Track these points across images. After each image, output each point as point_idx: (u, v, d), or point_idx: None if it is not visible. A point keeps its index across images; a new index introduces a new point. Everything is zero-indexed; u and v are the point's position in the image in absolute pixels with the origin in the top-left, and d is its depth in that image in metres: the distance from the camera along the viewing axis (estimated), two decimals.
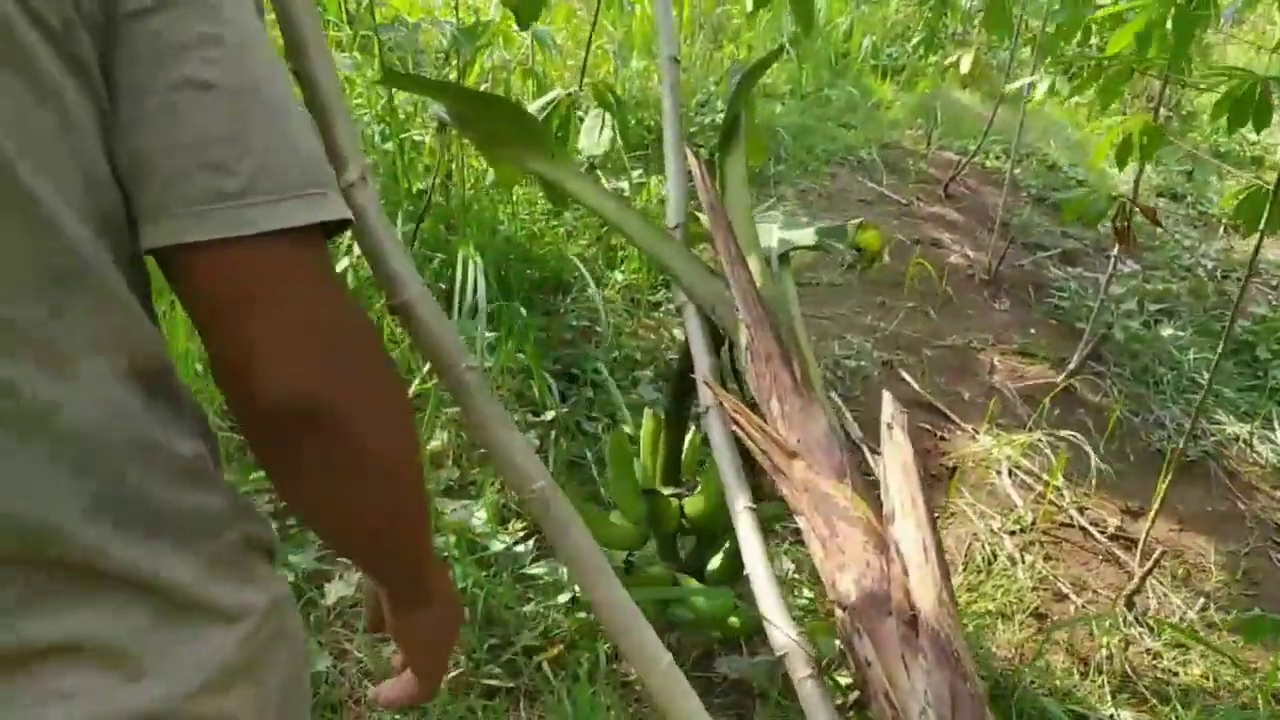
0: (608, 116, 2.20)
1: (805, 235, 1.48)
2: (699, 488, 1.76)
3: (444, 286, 2.64)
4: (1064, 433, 2.63)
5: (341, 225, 0.57)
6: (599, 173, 3.61)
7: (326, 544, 0.61)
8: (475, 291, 2.43)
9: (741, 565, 1.18)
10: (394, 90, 2.80)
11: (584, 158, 3.41)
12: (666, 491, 1.70)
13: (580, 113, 2.42)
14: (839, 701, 0.99)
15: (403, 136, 3.12)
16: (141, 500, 0.55)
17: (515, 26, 2.66)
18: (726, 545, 1.71)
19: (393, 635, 0.75)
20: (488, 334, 2.48)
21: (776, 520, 1.95)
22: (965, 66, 4.18)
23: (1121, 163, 2.04)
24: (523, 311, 2.57)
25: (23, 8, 0.47)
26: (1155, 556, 2.07)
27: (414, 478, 0.63)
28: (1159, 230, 4.42)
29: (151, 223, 0.52)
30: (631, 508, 1.76)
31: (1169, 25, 2.03)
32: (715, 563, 1.76)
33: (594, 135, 2.25)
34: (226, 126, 0.51)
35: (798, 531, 1.68)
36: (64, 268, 0.50)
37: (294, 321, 0.53)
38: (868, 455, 2.45)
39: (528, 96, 3.52)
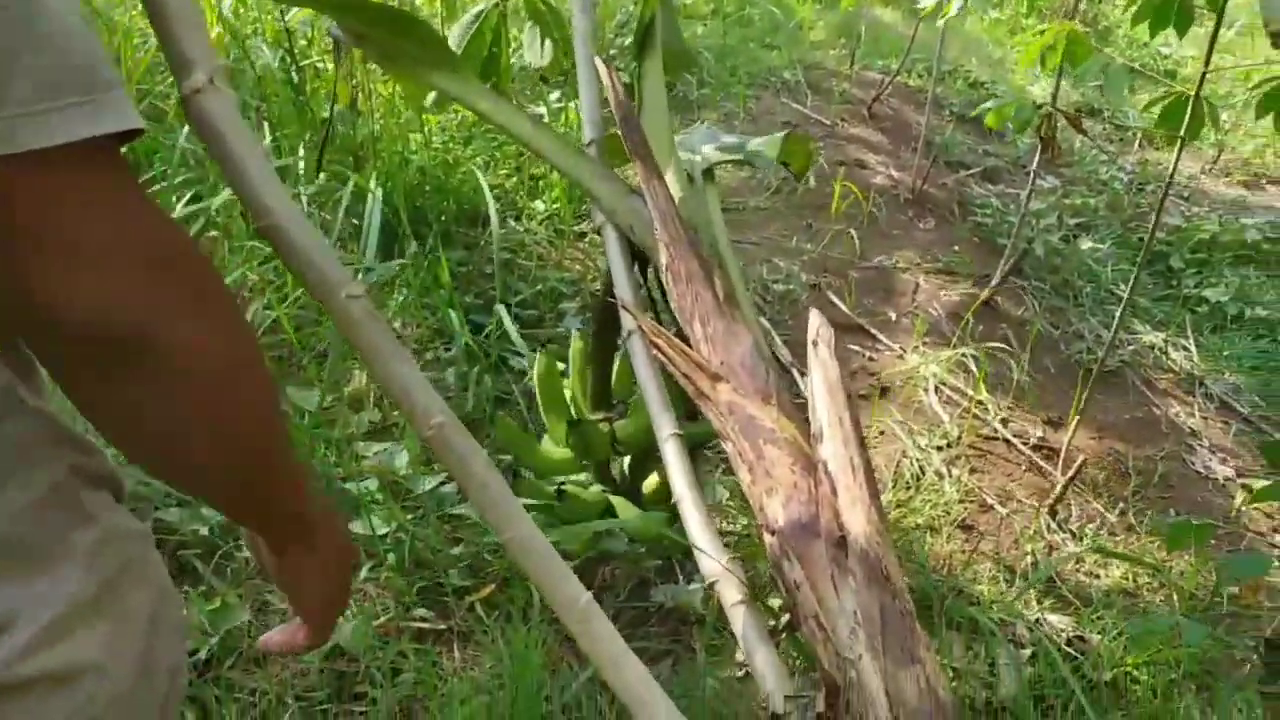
0: (544, 29, 2.08)
1: (729, 149, 1.42)
2: (629, 409, 1.72)
3: (356, 221, 2.52)
4: (988, 345, 2.66)
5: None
6: (523, 94, 3.47)
7: (166, 482, 0.55)
8: (372, 226, 2.32)
9: None
10: (286, 9, 2.62)
11: (531, 71, 3.26)
12: (597, 416, 1.66)
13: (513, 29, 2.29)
14: (771, 625, 0.97)
15: (305, 63, 2.95)
16: None
17: None
18: (662, 465, 1.68)
19: (273, 580, 0.70)
20: (400, 269, 2.38)
21: (706, 442, 1.93)
22: None
23: (1046, 66, 2.02)
24: (437, 246, 2.46)
25: None
26: (1076, 465, 2.11)
27: (253, 399, 0.57)
28: (1077, 146, 4.47)
29: None
30: (562, 434, 1.71)
31: None
32: (651, 484, 1.73)
33: (535, 48, 2.14)
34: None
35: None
36: None
37: (86, 243, 0.47)
38: (798, 379, 2.44)
39: (441, 14, 3.35)
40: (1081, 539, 2.11)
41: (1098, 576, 2.02)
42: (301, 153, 2.58)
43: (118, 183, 0.49)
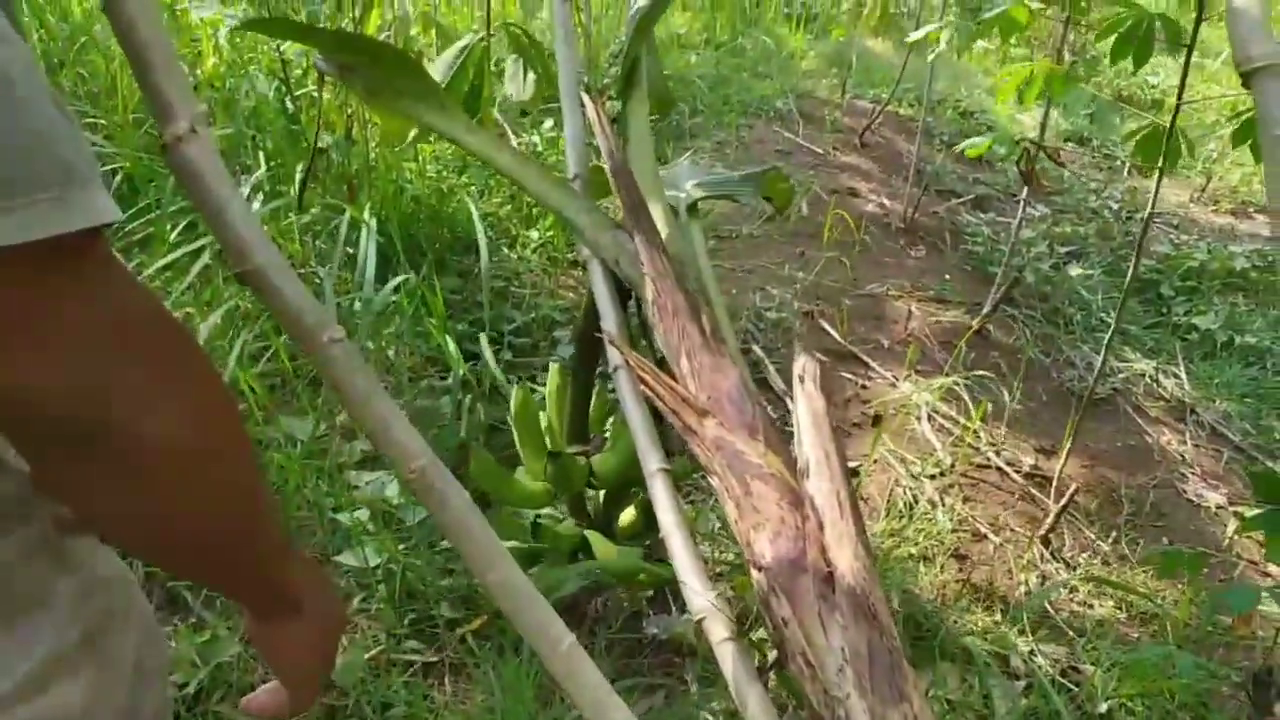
0: (528, 62, 2.11)
1: (713, 186, 1.43)
2: (608, 444, 1.72)
3: (350, 251, 2.53)
4: (979, 373, 2.67)
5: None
6: (518, 124, 3.50)
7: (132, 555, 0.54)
8: (366, 256, 2.33)
9: (653, 520, 1.14)
10: (281, 41, 2.64)
11: (512, 104, 3.29)
12: (573, 449, 1.66)
13: (494, 63, 2.31)
14: (759, 662, 0.97)
15: (300, 93, 2.97)
16: None
17: None
18: (638, 500, 1.67)
19: (255, 646, 0.67)
20: (393, 298, 2.38)
21: (689, 476, 1.92)
22: (874, 17, 4.17)
23: (1023, 100, 2.04)
24: (431, 275, 2.47)
25: None
26: (1068, 493, 2.11)
27: (226, 484, 0.55)
28: (1067, 174, 4.51)
29: None
30: (538, 467, 1.71)
31: None
32: (626, 518, 1.72)
33: (518, 81, 2.16)
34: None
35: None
36: None
37: (44, 335, 0.44)
38: (790, 407, 2.44)
39: (430, 48, 3.38)
40: (1074, 568, 2.11)
41: (1091, 606, 2.01)
42: (296, 181, 2.59)
43: (82, 272, 0.46)
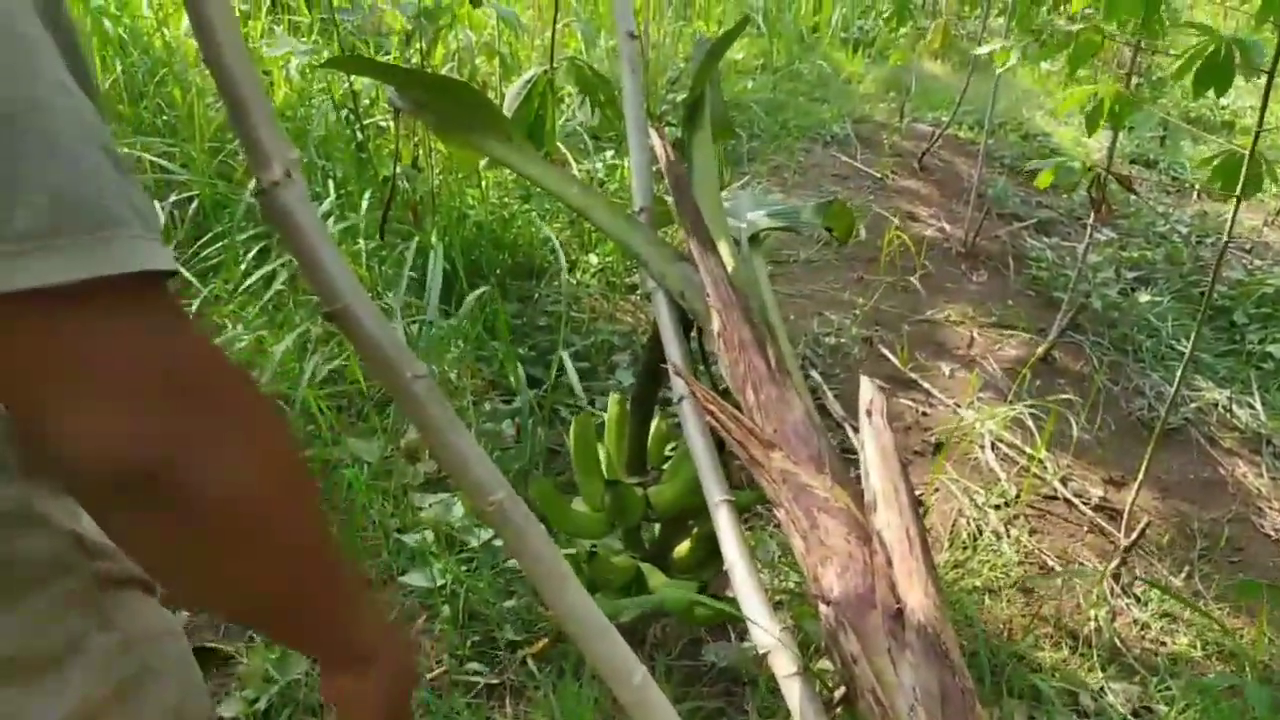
0: (591, 96, 2.16)
1: (775, 216, 1.44)
2: (666, 474, 1.72)
3: (414, 275, 2.59)
4: (1045, 401, 2.62)
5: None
6: (577, 149, 3.55)
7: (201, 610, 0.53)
8: (433, 281, 2.38)
9: (709, 552, 1.14)
10: (352, 76, 2.72)
11: (582, 130, 3.35)
12: (631, 480, 1.66)
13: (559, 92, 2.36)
14: (826, 698, 0.96)
15: (369, 122, 3.05)
16: None
17: (480, 7, 2.60)
18: (695, 532, 1.67)
19: (325, 699, 0.66)
20: (459, 322, 2.43)
21: (750, 506, 1.92)
22: (935, 42, 4.14)
23: (1092, 128, 2.01)
24: (495, 299, 2.51)
25: None
26: (1140, 526, 2.06)
27: (290, 531, 0.53)
28: (1134, 197, 4.41)
29: None
30: (595, 496, 1.72)
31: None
32: (681, 551, 1.72)
33: (586, 109, 2.21)
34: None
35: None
36: None
37: (97, 383, 0.44)
38: (850, 435, 2.42)
39: (494, 78, 3.45)
40: (1146, 604, 2.05)
41: (1164, 644, 1.95)
42: (364, 209, 2.66)
43: (133, 318, 0.46)
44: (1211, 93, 1.75)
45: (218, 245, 2.52)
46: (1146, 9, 1.86)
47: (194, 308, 2.29)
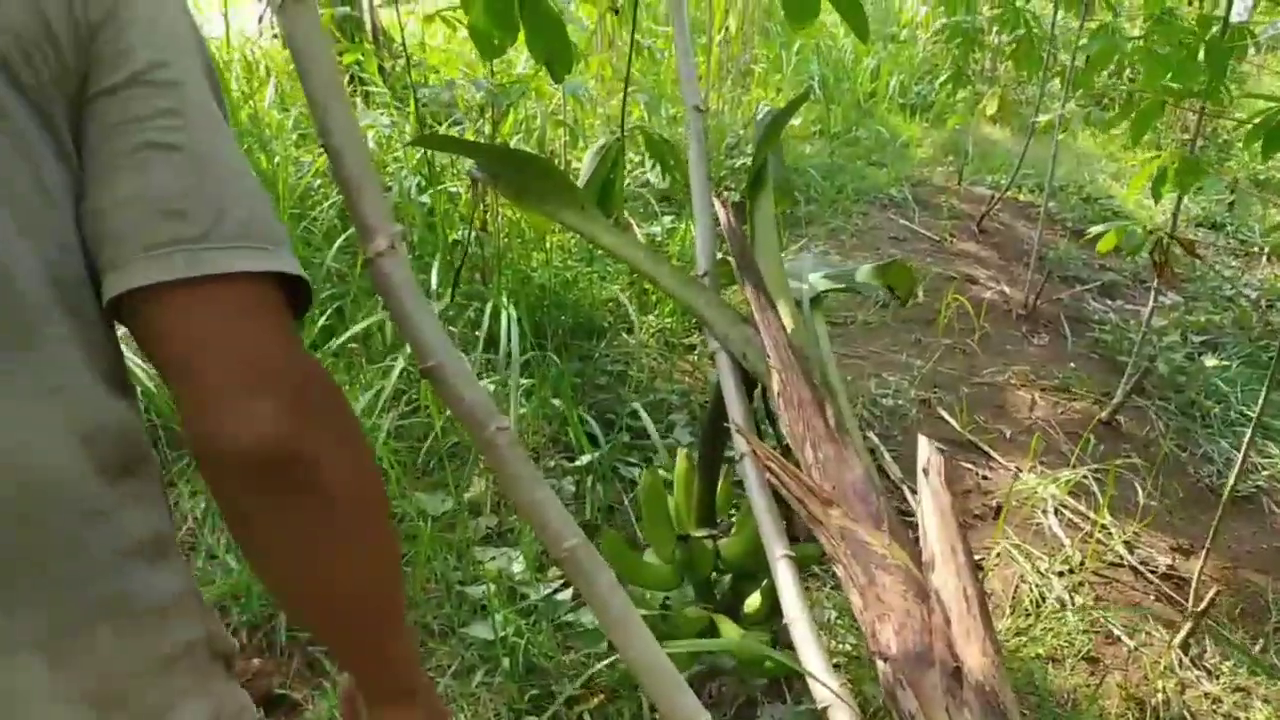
0: (661, 162, 2.26)
1: (835, 278, 1.48)
2: (734, 529, 1.74)
3: (478, 334, 2.68)
4: (1109, 466, 2.58)
5: (298, 288, 0.58)
6: (640, 216, 3.65)
7: (293, 608, 0.56)
8: (509, 340, 2.46)
9: (778, 605, 1.16)
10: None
11: (646, 193, 3.47)
12: (701, 533, 1.70)
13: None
14: None
15: (439, 188, 3.19)
16: (82, 576, 0.54)
17: (550, 83, 2.73)
18: (764, 585, 1.69)
19: None
20: (523, 380, 2.50)
21: (813, 561, 1.92)
22: (991, 109, 4.19)
23: (1158, 196, 2.02)
24: (557, 358, 2.59)
25: None
26: (1209, 596, 2.01)
27: (386, 533, 0.62)
28: (1199, 261, 4.36)
29: (114, 270, 0.52)
30: (666, 550, 1.75)
31: (1201, 57, 2.03)
32: (753, 603, 1.74)
33: (657, 173, 2.31)
34: (186, 182, 0.53)
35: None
36: (17, 327, 0.51)
37: (254, 364, 0.53)
38: (908, 496, 2.42)
39: (560, 145, 3.59)
40: (1217, 677, 1.99)
41: (1237, 719, 1.89)
42: (434, 270, 2.77)
43: (283, 324, 0.56)
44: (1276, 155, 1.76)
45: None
46: (1211, 76, 1.88)
47: None
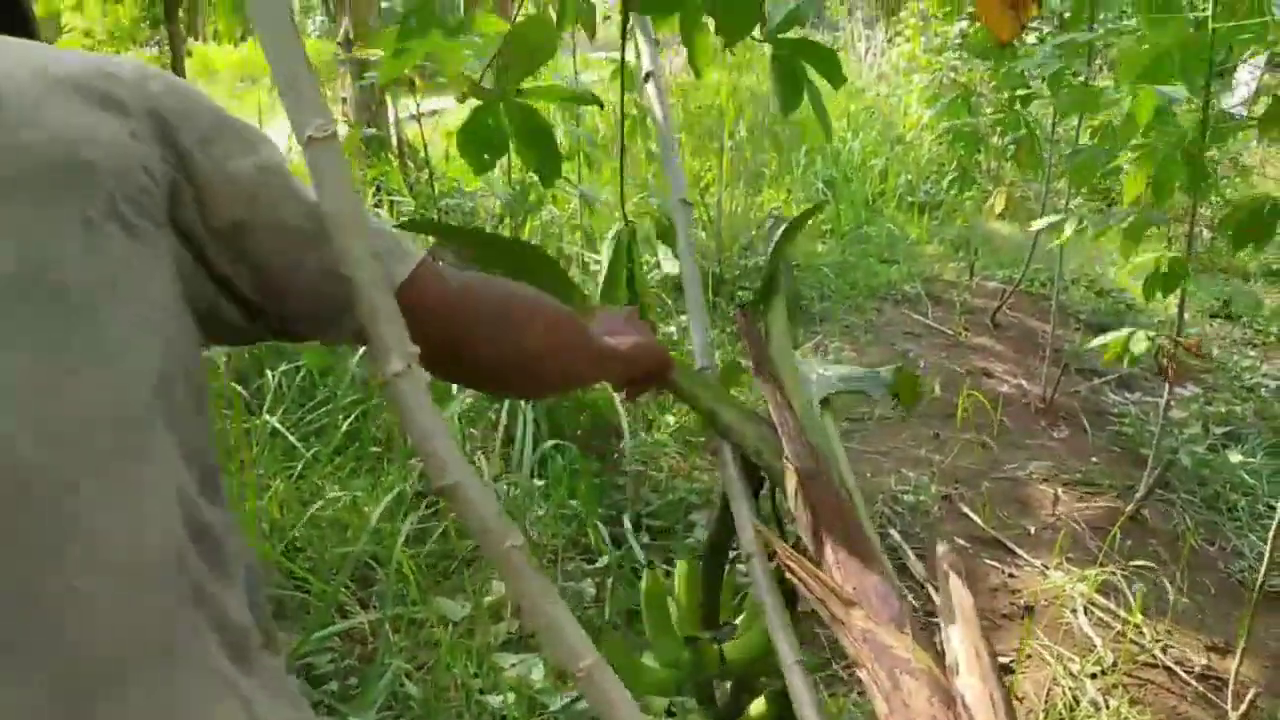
0: (669, 241, 2.34)
1: (846, 381, 1.50)
2: (738, 630, 1.72)
3: (498, 435, 2.71)
4: (1138, 563, 2.54)
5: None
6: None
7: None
8: (524, 442, 2.48)
9: (783, 710, 1.14)
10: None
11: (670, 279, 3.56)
12: (706, 634, 1.67)
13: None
14: None
15: None
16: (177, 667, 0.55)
17: (564, 187, 2.82)
18: (768, 691, 1.65)
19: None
20: (539, 482, 2.51)
21: (821, 670, 1.89)
22: (998, 207, 4.28)
23: (1149, 296, 2.05)
24: (575, 459, 2.60)
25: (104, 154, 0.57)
26: (1249, 698, 1.95)
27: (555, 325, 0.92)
28: (1216, 351, 4.36)
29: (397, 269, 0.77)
30: (668, 654, 1.72)
31: (1180, 167, 2.08)
32: (755, 709, 1.70)
33: (670, 260, 2.39)
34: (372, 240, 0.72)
35: (859, 679, 1.63)
36: (123, 419, 0.55)
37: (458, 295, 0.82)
38: (932, 594, 2.38)
39: (576, 248, 3.69)
40: None
41: None
42: None
43: (430, 276, 0.79)
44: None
45: (323, 410, 2.69)
46: (1190, 182, 1.94)
47: (298, 470, 2.43)
